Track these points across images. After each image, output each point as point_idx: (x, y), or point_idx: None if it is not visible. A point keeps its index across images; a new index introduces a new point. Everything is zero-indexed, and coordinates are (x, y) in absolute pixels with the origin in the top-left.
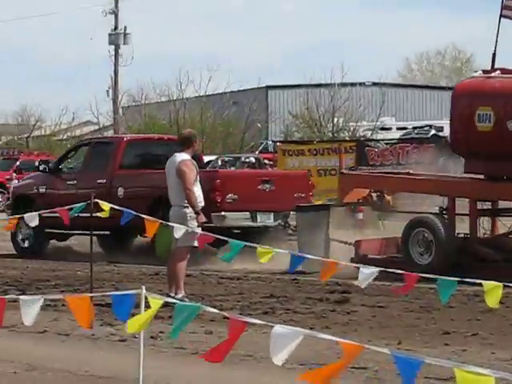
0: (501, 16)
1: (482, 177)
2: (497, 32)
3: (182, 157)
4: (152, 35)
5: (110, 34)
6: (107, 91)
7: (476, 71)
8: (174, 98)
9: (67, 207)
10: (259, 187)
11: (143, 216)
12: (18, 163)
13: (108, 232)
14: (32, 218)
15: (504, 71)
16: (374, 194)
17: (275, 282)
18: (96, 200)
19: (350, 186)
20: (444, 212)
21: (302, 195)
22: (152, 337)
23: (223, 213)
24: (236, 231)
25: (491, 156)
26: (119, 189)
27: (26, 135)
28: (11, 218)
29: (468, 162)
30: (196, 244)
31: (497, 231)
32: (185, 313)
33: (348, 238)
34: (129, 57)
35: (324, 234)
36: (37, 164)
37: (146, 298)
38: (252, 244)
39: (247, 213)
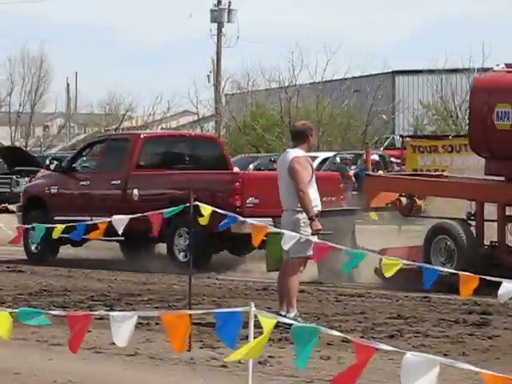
0: None
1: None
2: None
3: (296, 153)
4: (260, 12)
5: (212, 10)
6: (208, 76)
7: (498, 65)
8: (286, 84)
9: (158, 212)
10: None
11: (249, 220)
12: None
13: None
14: (121, 222)
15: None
16: (403, 199)
17: (402, 301)
18: (197, 203)
19: (376, 190)
20: (471, 218)
21: (333, 199)
22: (260, 362)
23: (242, 218)
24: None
25: (510, 157)
26: (134, 191)
27: (114, 126)
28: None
29: (488, 163)
30: (311, 254)
31: None
32: (303, 336)
33: (375, 246)
34: (233, 37)
35: (350, 241)
36: (47, 162)
37: (255, 316)
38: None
39: (269, 219)
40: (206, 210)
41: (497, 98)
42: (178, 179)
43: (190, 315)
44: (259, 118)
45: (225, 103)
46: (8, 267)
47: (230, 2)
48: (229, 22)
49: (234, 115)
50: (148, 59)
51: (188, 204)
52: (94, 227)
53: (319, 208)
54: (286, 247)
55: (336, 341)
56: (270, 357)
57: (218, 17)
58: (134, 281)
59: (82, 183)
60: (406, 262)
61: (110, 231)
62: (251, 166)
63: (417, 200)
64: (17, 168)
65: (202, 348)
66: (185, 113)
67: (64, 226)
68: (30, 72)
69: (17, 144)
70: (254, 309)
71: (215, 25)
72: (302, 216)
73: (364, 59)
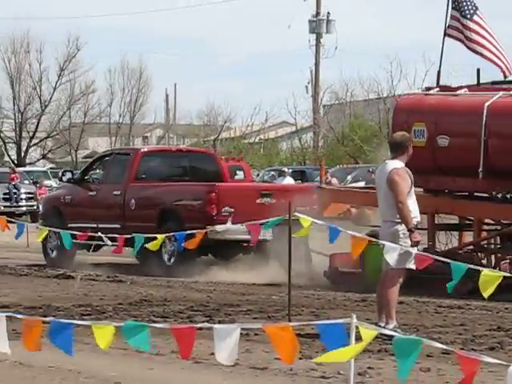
0: (445, 35)
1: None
2: (441, 51)
3: (394, 165)
4: (358, 22)
5: (310, 21)
6: (306, 87)
7: (419, 88)
8: (384, 95)
9: (259, 222)
10: (258, 201)
11: (350, 232)
12: None
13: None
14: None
15: (444, 89)
16: (352, 209)
17: (503, 313)
18: (297, 214)
19: (326, 201)
20: None
21: (306, 209)
22: (359, 373)
23: (218, 227)
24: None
25: (426, 170)
26: (131, 200)
27: (213, 137)
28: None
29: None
30: (413, 266)
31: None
32: (405, 347)
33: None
34: (331, 47)
35: (304, 246)
36: (60, 174)
37: (356, 327)
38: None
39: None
40: (306, 221)
41: (414, 118)
42: (165, 190)
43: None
44: (357, 129)
45: (323, 114)
46: (108, 277)
47: (328, 13)
48: (327, 32)
49: (332, 126)
50: (246, 70)
51: (286, 216)
52: (191, 237)
53: (418, 219)
54: (389, 259)
55: (436, 352)
56: (369, 368)
57: (317, 27)
58: (232, 291)
59: (90, 193)
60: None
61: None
62: (349, 177)
63: (366, 210)
64: None
65: (301, 359)
66: (283, 124)
67: (163, 236)
68: (129, 83)
69: None
70: (355, 320)
71: (314, 35)
72: (402, 227)
73: (465, 69)
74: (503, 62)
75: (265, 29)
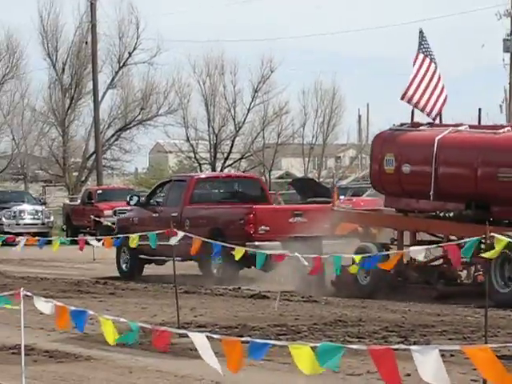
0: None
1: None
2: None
3: None
4: None
5: (505, 40)
6: (500, 106)
7: (394, 124)
8: None
9: (456, 242)
10: (290, 220)
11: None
12: None
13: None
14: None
15: (414, 125)
16: (359, 228)
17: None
18: (494, 234)
19: (337, 221)
20: (393, 242)
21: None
22: None
23: (256, 243)
24: None
25: (396, 193)
26: (186, 220)
27: None
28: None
29: (385, 198)
30: None
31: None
32: None
33: None
34: None
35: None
36: (127, 198)
37: None
38: None
39: (279, 243)
40: (502, 242)
41: (386, 149)
42: (212, 212)
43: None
44: None
45: None
46: (302, 297)
47: None
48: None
49: None
50: None
51: (483, 236)
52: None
53: None
54: None
55: None
56: None
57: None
58: (427, 312)
59: (153, 215)
60: None
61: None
62: None
63: (372, 229)
64: (309, 199)
65: None
66: None
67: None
68: (322, 104)
69: (310, 175)
70: None
71: (508, 54)
72: None
73: None
74: (426, 105)
75: (458, 48)
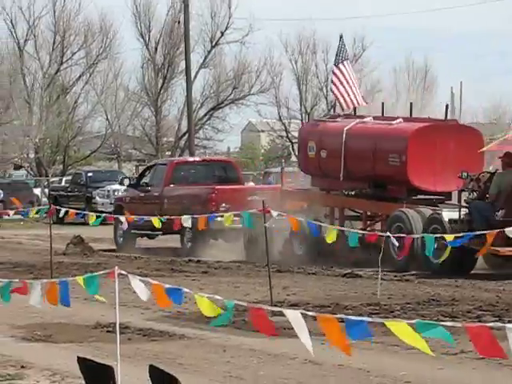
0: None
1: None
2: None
3: None
4: None
5: None
6: None
7: (320, 115)
8: None
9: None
10: (248, 198)
11: None
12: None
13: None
14: None
15: (332, 116)
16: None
17: None
18: None
19: (284, 200)
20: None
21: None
22: None
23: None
24: None
25: (317, 175)
26: (165, 199)
27: (499, 135)
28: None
29: (312, 179)
30: None
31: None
32: None
33: None
34: None
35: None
36: (119, 180)
37: None
38: None
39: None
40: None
41: (309, 137)
42: (184, 192)
43: None
44: None
45: None
46: (395, 276)
47: None
48: None
49: None
50: None
51: None
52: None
53: None
54: None
55: None
56: None
57: None
58: None
59: (141, 194)
60: None
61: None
62: None
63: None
64: None
65: None
66: None
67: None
68: (414, 82)
69: None
70: None
71: None
72: None
73: None
74: (345, 101)
75: None
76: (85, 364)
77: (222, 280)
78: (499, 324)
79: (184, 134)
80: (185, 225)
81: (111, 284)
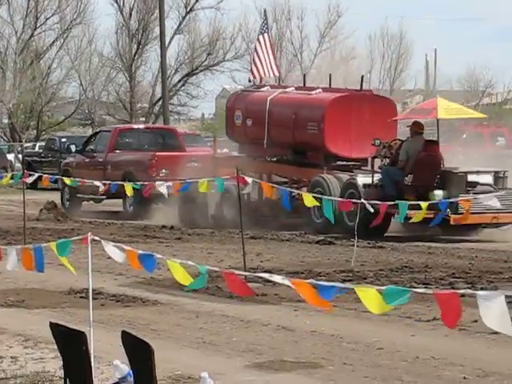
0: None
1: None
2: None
3: None
4: None
5: None
6: None
7: (247, 86)
8: None
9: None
10: (188, 165)
11: None
12: None
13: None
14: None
15: (259, 86)
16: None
17: None
18: None
19: (217, 166)
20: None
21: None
22: None
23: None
24: None
25: (243, 142)
26: (108, 165)
27: (473, 103)
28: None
29: (239, 146)
30: None
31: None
32: None
33: None
34: None
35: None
36: (66, 146)
37: None
38: None
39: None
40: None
41: (236, 106)
42: (126, 158)
43: None
44: None
45: None
46: (368, 243)
47: None
48: None
49: None
50: (510, 36)
51: None
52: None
53: None
54: None
55: None
56: None
57: None
58: (494, 258)
59: (86, 160)
60: None
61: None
62: None
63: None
64: None
65: None
66: None
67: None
68: (389, 49)
69: None
70: None
71: None
72: None
73: None
74: (257, 70)
75: None
76: (57, 330)
77: (195, 246)
78: (470, 291)
79: (158, 100)
80: (161, 190)
81: (84, 250)
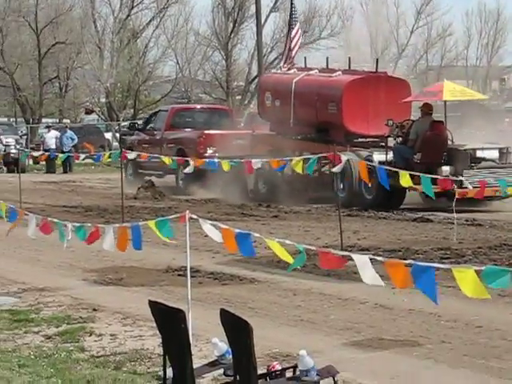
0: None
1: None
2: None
3: None
4: None
5: None
6: None
7: (279, 68)
8: None
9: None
10: (233, 142)
11: None
12: None
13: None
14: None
15: (289, 69)
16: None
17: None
18: None
19: (256, 143)
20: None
21: None
22: None
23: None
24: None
25: (274, 121)
26: (164, 142)
27: None
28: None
29: (270, 125)
30: None
31: None
32: None
33: None
34: None
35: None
36: (129, 125)
37: None
38: None
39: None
40: None
41: (266, 88)
42: (178, 135)
43: None
44: None
45: None
46: (466, 220)
47: None
48: None
49: None
50: None
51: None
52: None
53: None
54: None
55: None
56: None
57: None
58: None
59: (146, 138)
60: None
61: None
62: None
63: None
64: None
65: None
66: None
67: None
68: (487, 25)
69: None
70: None
71: None
72: None
73: None
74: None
75: None
76: (156, 308)
77: (292, 224)
78: None
79: (254, 78)
80: (255, 167)
81: (182, 228)
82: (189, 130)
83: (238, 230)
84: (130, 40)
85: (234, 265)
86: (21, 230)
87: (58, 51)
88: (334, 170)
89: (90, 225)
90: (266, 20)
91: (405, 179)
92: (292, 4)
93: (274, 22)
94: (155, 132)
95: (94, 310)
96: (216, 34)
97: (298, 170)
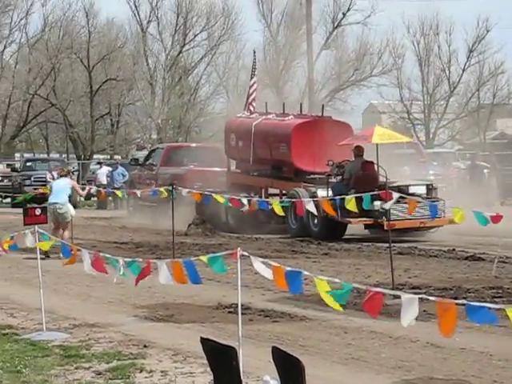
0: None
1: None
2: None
3: None
4: None
5: None
6: None
7: (242, 113)
8: None
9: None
10: (217, 179)
11: None
12: None
13: None
14: None
15: (251, 113)
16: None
17: None
18: None
19: (228, 179)
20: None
21: None
22: None
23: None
24: None
25: (239, 160)
26: (159, 177)
27: None
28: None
29: (236, 163)
30: None
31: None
32: None
33: None
34: None
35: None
36: (129, 160)
37: None
38: None
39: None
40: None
41: (230, 130)
42: (169, 171)
43: None
44: None
45: None
46: None
47: None
48: None
49: None
50: None
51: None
52: None
53: None
54: None
55: None
56: None
57: None
58: None
59: (145, 173)
60: None
61: None
62: None
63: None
64: None
65: None
66: None
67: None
68: None
69: None
70: None
71: None
72: None
73: None
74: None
75: None
76: (208, 345)
77: (343, 262)
78: None
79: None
80: (308, 208)
81: (232, 265)
82: (178, 166)
83: (288, 268)
84: (182, 77)
85: (284, 302)
86: (71, 266)
87: (110, 88)
88: (386, 206)
89: (141, 260)
90: (317, 57)
91: (351, 203)
92: (254, 55)
93: (325, 59)
94: (153, 167)
95: (145, 346)
96: (267, 71)
97: (279, 212)
